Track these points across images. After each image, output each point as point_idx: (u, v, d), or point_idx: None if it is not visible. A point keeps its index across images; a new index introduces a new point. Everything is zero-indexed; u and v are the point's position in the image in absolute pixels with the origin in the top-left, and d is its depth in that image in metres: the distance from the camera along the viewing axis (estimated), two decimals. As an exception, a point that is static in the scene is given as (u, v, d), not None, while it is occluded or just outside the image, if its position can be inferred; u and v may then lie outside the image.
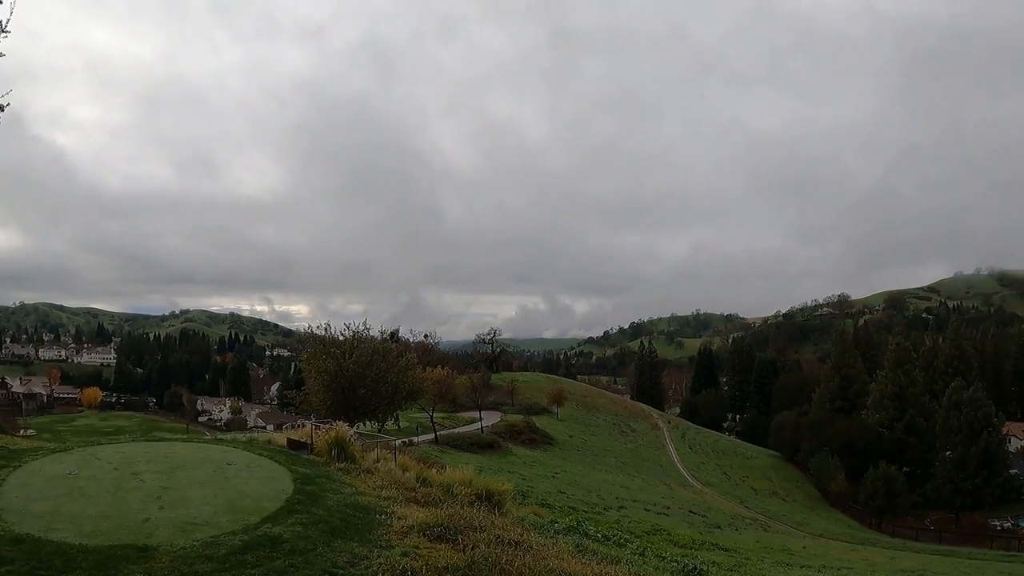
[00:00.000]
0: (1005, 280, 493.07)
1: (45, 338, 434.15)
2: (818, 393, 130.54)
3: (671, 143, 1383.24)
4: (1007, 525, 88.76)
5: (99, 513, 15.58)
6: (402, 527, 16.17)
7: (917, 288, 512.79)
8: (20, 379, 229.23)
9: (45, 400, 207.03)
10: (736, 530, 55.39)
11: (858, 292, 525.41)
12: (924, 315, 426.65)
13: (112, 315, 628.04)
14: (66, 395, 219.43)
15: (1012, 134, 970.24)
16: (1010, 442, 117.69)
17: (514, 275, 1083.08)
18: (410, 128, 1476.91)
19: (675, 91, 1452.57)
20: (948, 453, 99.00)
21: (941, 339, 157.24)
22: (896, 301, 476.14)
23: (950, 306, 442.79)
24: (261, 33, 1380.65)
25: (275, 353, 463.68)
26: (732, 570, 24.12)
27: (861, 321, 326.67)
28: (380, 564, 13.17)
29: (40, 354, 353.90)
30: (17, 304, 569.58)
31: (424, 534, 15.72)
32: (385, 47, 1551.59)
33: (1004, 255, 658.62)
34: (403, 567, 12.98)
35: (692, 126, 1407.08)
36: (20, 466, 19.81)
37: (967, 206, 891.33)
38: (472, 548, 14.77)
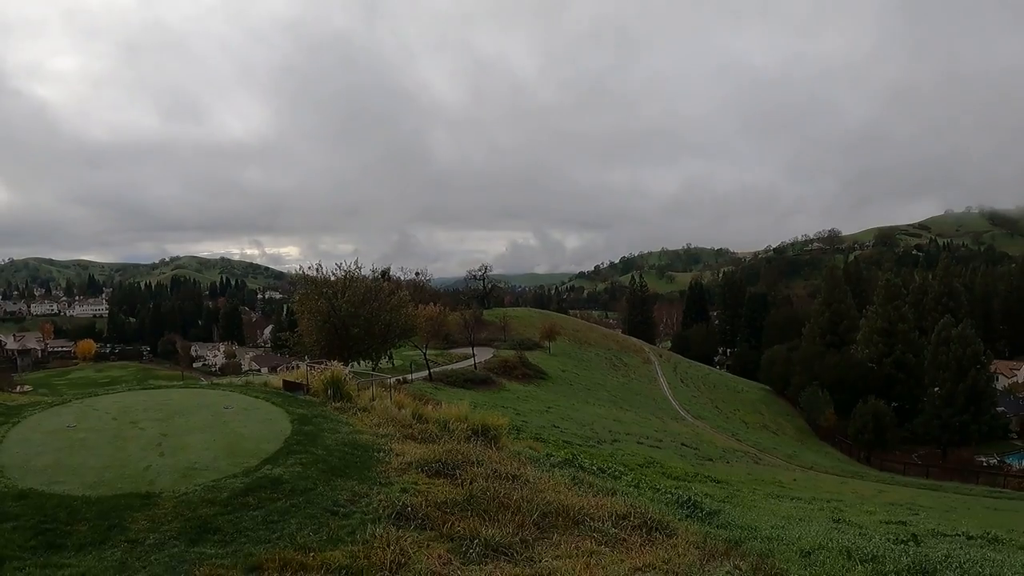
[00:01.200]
0: (996, 219, 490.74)
1: (36, 293, 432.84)
2: (808, 328, 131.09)
3: (662, 79, 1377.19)
4: (993, 462, 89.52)
5: (100, 464, 15.81)
6: (400, 464, 16.42)
7: (908, 225, 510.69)
8: (14, 336, 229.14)
9: (40, 355, 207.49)
10: (728, 463, 55.94)
11: (849, 228, 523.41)
12: (914, 252, 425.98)
13: (102, 266, 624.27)
14: (60, 349, 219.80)
15: (1008, 73, 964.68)
16: (997, 380, 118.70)
17: (504, 211, 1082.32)
18: (397, 66, 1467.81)
19: (667, 26, 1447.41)
20: (936, 389, 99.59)
21: (931, 276, 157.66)
22: (886, 237, 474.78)
23: (940, 244, 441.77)
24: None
25: (267, 296, 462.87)
26: (724, 501, 24.43)
27: (851, 257, 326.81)
28: (380, 501, 13.41)
29: (32, 309, 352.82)
30: (6, 261, 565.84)
31: (422, 470, 15.97)
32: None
33: (995, 194, 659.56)
34: (403, 503, 13.22)
35: (684, 61, 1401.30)
36: (19, 422, 20.01)
37: (960, 145, 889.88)
38: (470, 482, 15.02)
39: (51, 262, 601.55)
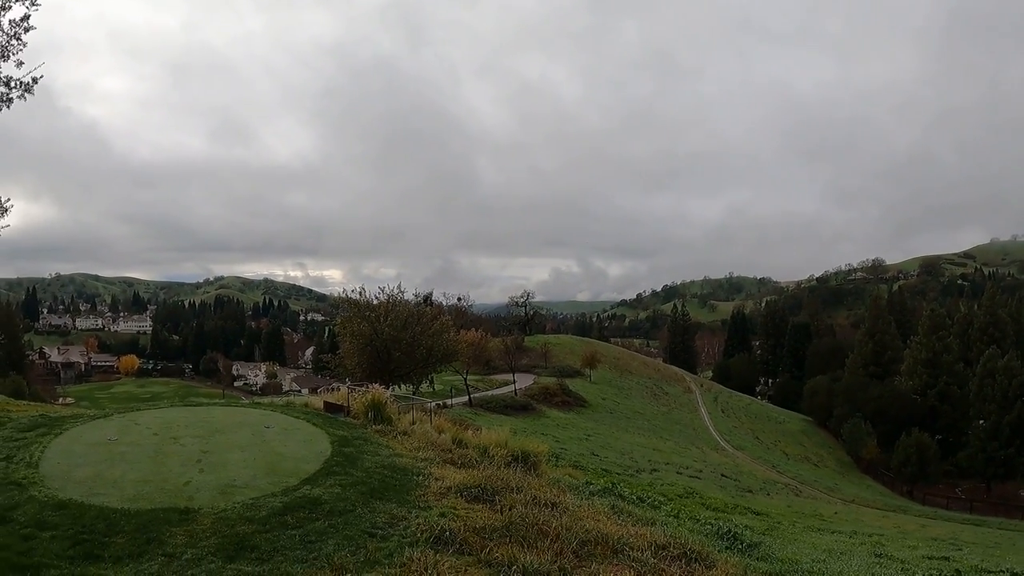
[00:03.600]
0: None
1: (82, 308, 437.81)
2: (851, 358, 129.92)
3: (705, 104, 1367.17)
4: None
5: (140, 477, 15.86)
6: (439, 488, 16.33)
7: (953, 254, 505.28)
8: (58, 349, 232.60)
9: (83, 368, 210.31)
10: (768, 494, 55.48)
11: (893, 257, 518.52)
12: (959, 281, 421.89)
13: (147, 283, 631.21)
14: (104, 363, 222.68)
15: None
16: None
17: (547, 238, 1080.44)
18: (441, 91, 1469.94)
19: (710, 51, 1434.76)
20: (981, 422, 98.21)
21: (976, 306, 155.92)
22: (931, 267, 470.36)
23: (986, 272, 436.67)
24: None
25: (309, 318, 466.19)
26: (764, 534, 24.15)
27: (895, 286, 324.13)
28: (418, 524, 13.34)
29: (77, 324, 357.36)
30: (53, 275, 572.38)
31: (461, 495, 15.88)
32: (413, 8, 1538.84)
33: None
34: (441, 527, 13.14)
35: (727, 87, 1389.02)
36: (61, 433, 20.14)
37: (1005, 170, 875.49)
38: (509, 509, 14.91)
39: (97, 278, 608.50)
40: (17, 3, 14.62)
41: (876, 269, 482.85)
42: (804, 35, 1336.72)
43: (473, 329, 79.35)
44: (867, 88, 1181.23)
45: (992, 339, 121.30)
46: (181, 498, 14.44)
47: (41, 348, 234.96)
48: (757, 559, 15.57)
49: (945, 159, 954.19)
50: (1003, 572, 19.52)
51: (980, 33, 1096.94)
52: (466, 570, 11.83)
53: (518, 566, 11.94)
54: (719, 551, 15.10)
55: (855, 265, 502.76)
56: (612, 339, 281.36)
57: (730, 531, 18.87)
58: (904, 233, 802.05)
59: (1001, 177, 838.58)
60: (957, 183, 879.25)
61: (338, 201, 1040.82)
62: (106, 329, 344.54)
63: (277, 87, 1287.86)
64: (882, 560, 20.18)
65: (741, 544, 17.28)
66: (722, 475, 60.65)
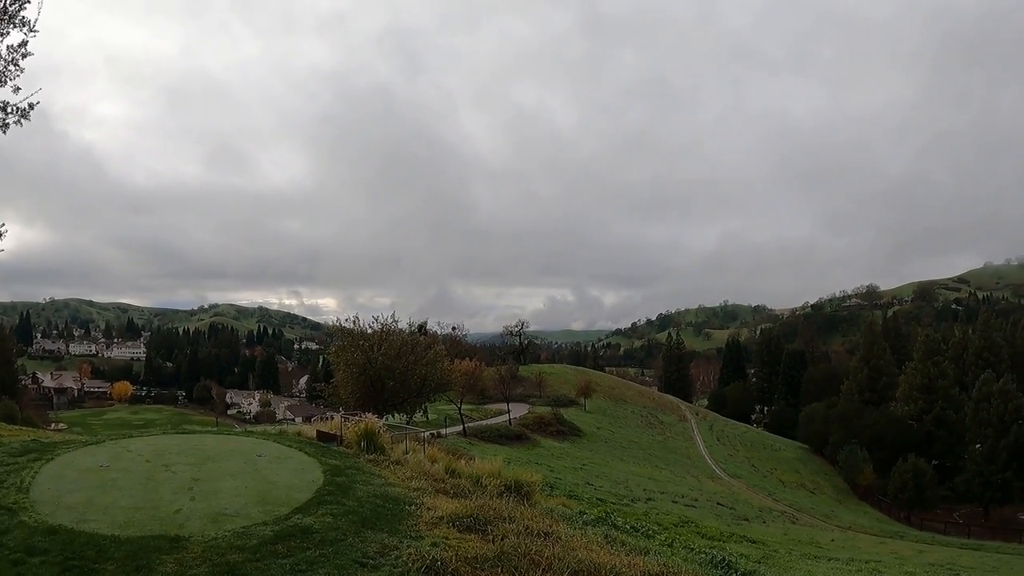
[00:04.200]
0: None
1: (75, 333, 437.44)
2: (846, 385, 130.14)
3: (700, 131, 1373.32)
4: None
5: (131, 504, 15.76)
6: (432, 518, 16.26)
7: (947, 279, 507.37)
8: (51, 374, 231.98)
9: (76, 394, 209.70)
10: (764, 522, 55.37)
11: (887, 283, 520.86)
12: (954, 306, 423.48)
13: (141, 310, 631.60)
14: (97, 389, 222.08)
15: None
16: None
17: (542, 267, 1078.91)
18: (437, 118, 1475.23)
19: (705, 78, 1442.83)
20: (978, 446, 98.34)
21: (971, 330, 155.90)
22: (925, 292, 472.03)
23: (980, 297, 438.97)
24: (281, 25, 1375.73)
25: (303, 346, 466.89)
26: (760, 562, 24.07)
27: (890, 312, 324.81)
28: (410, 554, 13.25)
29: (71, 349, 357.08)
30: (47, 300, 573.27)
31: (454, 525, 15.81)
32: (409, 37, 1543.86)
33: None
34: (433, 557, 13.05)
35: (722, 114, 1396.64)
36: (52, 459, 20.04)
37: (998, 194, 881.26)
38: (501, 539, 14.84)
39: (91, 303, 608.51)
40: (15, 29, 14.69)
41: (870, 295, 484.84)
42: (798, 62, 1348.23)
43: (467, 359, 79.12)
44: (860, 114, 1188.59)
45: (987, 363, 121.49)
46: (172, 526, 14.34)
47: (34, 373, 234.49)
48: (752, 588, 15.51)
49: (938, 183, 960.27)
50: (1001, 598, 19.52)
51: (972, 58, 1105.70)
52: (458, 600, 11.78)
53: (510, 596, 11.88)
54: (713, 580, 15.04)
55: (849, 292, 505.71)
56: (607, 368, 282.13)
57: (724, 560, 18.82)
58: (898, 258, 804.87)
59: (994, 201, 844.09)
60: (950, 207, 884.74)
61: (333, 228, 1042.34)
62: (99, 355, 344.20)
63: (273, 113, 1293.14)
64: (878, 588, 20.16)
65: (736, 573, 17.24)
66: (718, 503, 60.53)
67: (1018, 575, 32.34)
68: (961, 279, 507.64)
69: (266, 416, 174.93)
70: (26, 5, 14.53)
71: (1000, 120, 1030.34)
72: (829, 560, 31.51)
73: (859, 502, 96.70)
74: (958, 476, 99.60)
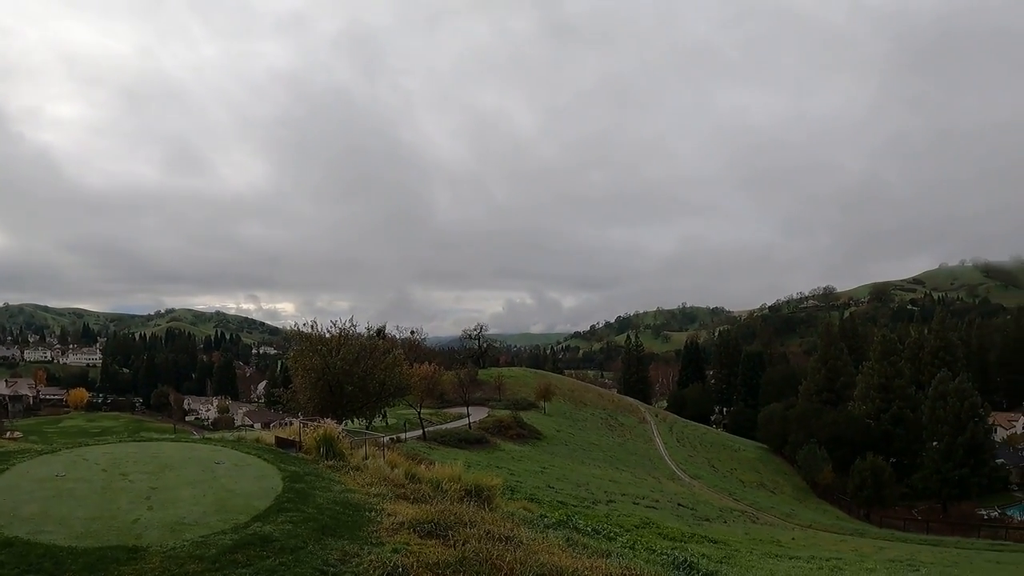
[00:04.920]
0: (990, 271, 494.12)
1: (30, 339, 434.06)
2: (804, 385, 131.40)
3: (660, 135, 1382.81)
4: (994, 515, 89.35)
5: (88, 515, 15.55)
6: (392, 524, 16.18)
7: (902, 280, 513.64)
8: (6, 381, 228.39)
9: (31, 402, 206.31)
10: (725, 522, 55.60)
11: (844, 284, 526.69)
12: (909, 307, 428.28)
13: (97, 315, 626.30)
14: (52, 396, 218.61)
15: (1000, 126, 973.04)
16: (996, 432, 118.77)
17: (502, 270, 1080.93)
18: (397, 121, 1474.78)
19: (666, 84, 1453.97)
20: (935, 444, 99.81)
21: (927, 330, 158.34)
22: (881, 293, 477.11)
23: (935, 297, 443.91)
24: (239, 25, 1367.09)
25: (262, 351, 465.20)
26: (722, 562, 24.19)
27: (847, 313, 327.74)
28: (371, 561, 13.19)
29: (26, 355, 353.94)
30: (2, 305, 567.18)
31: (414, 530, 15.74)
32: (368, 38, 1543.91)
33: (989, 246, 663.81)
34: (394, 564, 12.99)
35: (681, 119, 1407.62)
36: (7, 469, 19.78)
37: (953, 197, 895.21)
38: (463, 544, 14.79)
39: (46, 309, 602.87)
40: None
41: (827, 297, 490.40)
42: (756, 66, 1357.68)
43: (426, 362, 78.88)
44: (817, 117, 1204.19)
45: (943, 362, 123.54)
46: (130, 536, 14.16)
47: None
48: (713, 589, 15.57)
49: (894, 186, 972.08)
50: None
51: (927, 61, 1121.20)
52: (419, 607, 11.73)
53: (472, 602, 11.85)
54: (674, 582, 15.08)
55: (807, 293, 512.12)
56: (566, 371, 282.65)
57: (686, 560, 18.89)
58: (855, 260, 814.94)
59: (949, 203, 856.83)
60: (906, 210, 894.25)
61: (292, 232, 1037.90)
62: (55, 361, 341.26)
63: (231, 116, 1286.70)
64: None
65: (698, 573, 17.31)
66: (679, 504, 60.72)
67: (977, 569, 32.72)
68: (916, 280, 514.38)
69: (224, 422, 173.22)
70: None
71: (955, 123, 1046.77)
72: (790, 559, 31.71)
73: (819, 501, 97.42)
74: (916, 473, 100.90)
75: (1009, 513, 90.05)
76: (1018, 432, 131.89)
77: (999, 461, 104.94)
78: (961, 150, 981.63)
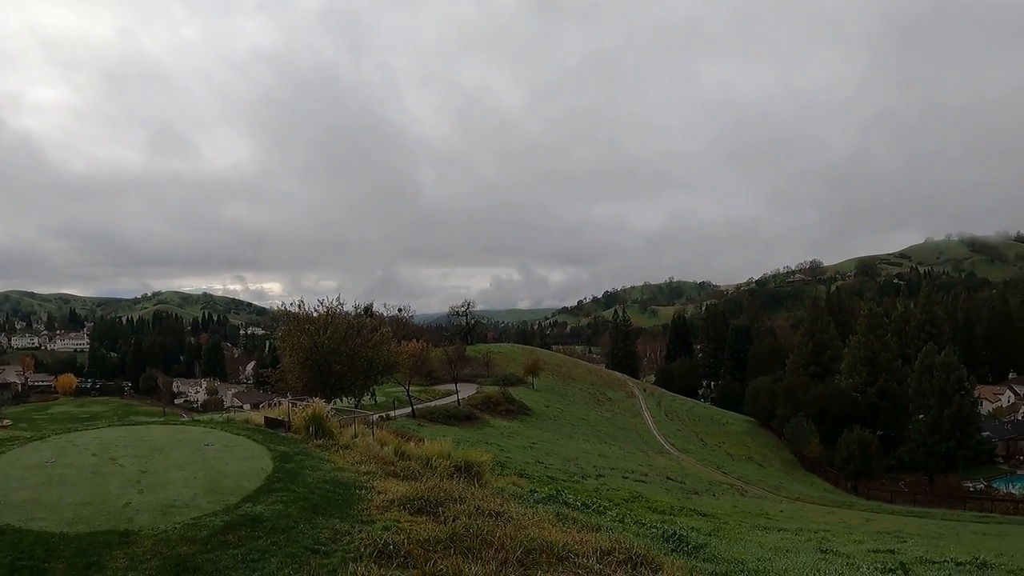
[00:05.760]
0: (975, 246, 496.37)
1: (17, 326, 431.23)
2: (792, 359, 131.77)
3: (647, 111, 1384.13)
4: (980, 487, 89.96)
5: (79, 500, 15.56)
6: (382, 501, 16.22)
7: (888, 254, 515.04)
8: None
9: (20, 389, 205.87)
10: (714, 496, 55.85)
11: (830, 258, 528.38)
12: (896, 281, 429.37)
13: (84, 300, 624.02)
14: (41, 383, 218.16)
15: (987, 102, 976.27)
16: (981, 405, 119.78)
17: (489, 247, 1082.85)
18: (382, 99, 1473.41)
19: (653, 60, 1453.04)
20: (921, 416, 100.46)
21: (913, 304, 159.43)
22: (868, 267, 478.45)
23: (921, 272, 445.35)
24: (220, 4, 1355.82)
25: (249, 332, 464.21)
26: (711, 535, 24.28)
27: (833, 287, 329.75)
28: (362, 539, 13.23)
29: (12, 342, 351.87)
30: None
31: (405, 507, 15.79)
32: (352, 15, 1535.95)
33: (975, 221, 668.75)
34: (385, 541, 13.04)
35: (668, 93, 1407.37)
36: (-4, 456, 19.75)
37: (940, 172, 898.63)
38: (453, 520, 14.85)
39: (32, 295, 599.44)
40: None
41: (814, 271, 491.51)
42: (745, 42, 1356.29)
43: (414, 340, 78.93)
44: (806, 93, 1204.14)
45: (929, 336, 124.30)
46: (121, 520, 14.17)
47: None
48: (703, 560, 15.65)
49: (881, 161, 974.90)
50: (947, 562, 19.83)
51: (916, 39, 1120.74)
52: (411, 583, 11.78)
53: (463, 577, 11.91)
54: (665, 554, 15.14)
55: (793, 267, 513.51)
56: (554, 346, 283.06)
57: (676, 534, 18.96)
58: (841, 235, 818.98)
59: (936, 179, 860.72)
60: (893, 185, 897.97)
61: (278, 212, 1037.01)
62: (42, 347, 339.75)
63: (215, 96, 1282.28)
64: (828, 556, 20.39)
65: (687, 546, 17.37)
66: (668, 478, 60.97)
67: (963, 541, 32.91)
68: (903, 254, 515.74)
69: (214, 404, 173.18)
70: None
71: (942, 100, 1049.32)
72: (779, 531, 31.82)
73: (807, 473, 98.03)
74: (903, 446, 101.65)
75: (995, 485, 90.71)
76: (1003, 405, 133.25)
77: (985, 434, 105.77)
78: (948, 126, 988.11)
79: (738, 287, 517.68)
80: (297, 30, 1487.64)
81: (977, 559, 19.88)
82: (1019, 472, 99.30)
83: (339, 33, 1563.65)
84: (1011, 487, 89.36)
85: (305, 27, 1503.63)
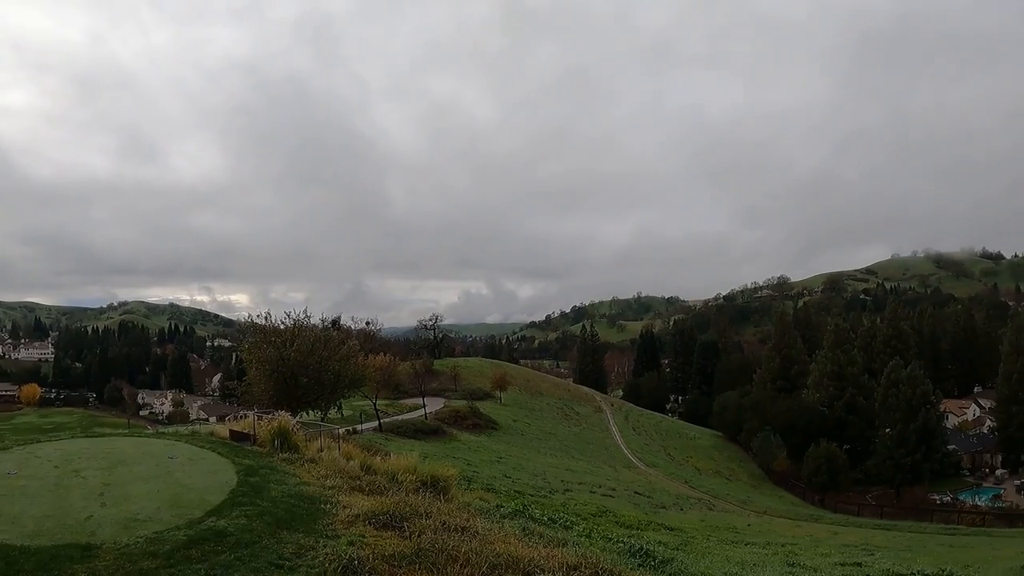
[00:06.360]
0: (941, 262, 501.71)
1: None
2: (759, 374, 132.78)
3: (617, 126, 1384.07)
4: (946, 499, 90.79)
5: (41, 513, 15.39)
6: (348, 516, 16.16)
7: (855, 270, 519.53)
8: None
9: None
10: (681, 510, 55.94)
11: (797, 274, 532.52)
12: (862, 296, 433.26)
13: (49, 309, 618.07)
14: (3, 392, 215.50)
15: (953, 119, 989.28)
16: (947, 419, 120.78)
17: (458, 260, 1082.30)
18: (353, 110, 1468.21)
19: (623, 74, 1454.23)
20: (888, 430, 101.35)
21: (879, 319, 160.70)
22: (835, 283, 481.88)
23: (887, 287, 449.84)
24: (192, 11, 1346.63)
25: (216, 344, 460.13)
26: (678, 549, 24.38)
27: (800, 303, 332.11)
28: (327, 554, 13.15)
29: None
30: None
31: (370, 522, 15.73)
32: (324, 24, 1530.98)
33: (940, 237, 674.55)
34: (350, 556, 12.97)
35: (638, 109, 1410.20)
36: (-42, 467, 19.52)
37: (907, 189, 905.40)
38: (419, 535, 14.81)
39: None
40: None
41: (781, 286, 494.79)
42: (715, 59, 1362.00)
43: (382, 353, 78.90)
44: (775, 111, 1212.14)
45: (895, 351, 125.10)
46: (83, 533, 14.03)
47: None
48: (669, 575, 15.70)
49: (849, 180, 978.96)
50: (915, 574, 20.00)
51: (886, 59, 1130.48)
52: (375, 599, 11.73)
53: (428, 593, 11.87)
54: (631, 569, 15.18)
55: (761, 283, 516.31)
56: (522, 361, 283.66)
57: (642, 548, 19.01)
58: (809, 251, 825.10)
59: (903, 196, 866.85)
60: (860, 202, 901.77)
61: (246, 222, 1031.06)
62: (6, 356, 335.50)
63: (185, 104, 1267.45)
64: (795, 569, 20.54)
65: (654, 561, 17.42)
66: (635, 492, 61.01)
67: (930, 553, 33.14)
68: (869, 270, 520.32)
69: (179, 416, 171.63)
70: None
71: (911, 120, 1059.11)
72: (746, 544, 31.98)
73: (774, 487, 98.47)
74: (869, 460, 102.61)
75: (961, 497, 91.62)
76: (969, 419, 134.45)
77: (951, 447, 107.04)
78: (917, 146, 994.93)
79: (706, 303, 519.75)
80: (269, 38, 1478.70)
81: (944, 571, 20.06)
82: (984, 484, 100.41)
83: (311, 41, 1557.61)
84: (977, 499, 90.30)
85: (276, 35, 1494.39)
